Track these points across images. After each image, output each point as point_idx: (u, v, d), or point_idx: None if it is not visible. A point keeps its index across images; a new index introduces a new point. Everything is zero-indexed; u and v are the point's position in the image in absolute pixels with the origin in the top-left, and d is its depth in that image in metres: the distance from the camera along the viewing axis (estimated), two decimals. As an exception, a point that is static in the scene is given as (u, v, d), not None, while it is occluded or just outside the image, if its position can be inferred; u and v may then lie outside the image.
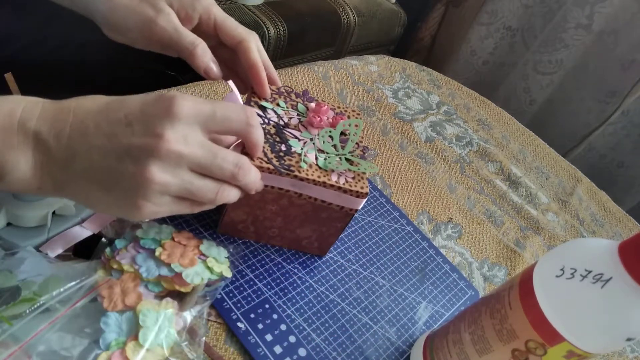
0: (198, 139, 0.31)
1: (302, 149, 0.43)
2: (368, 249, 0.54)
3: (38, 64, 0.62)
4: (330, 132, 0.45)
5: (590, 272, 0.30)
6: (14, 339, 0.31)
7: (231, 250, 0.43)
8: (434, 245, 0.58)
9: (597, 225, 0.77)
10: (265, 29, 1.14)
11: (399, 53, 1.70)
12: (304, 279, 0.48)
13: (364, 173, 0.43)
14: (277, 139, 0.42)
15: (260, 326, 0.43)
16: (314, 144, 0.44)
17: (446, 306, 0.52)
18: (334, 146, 0.44)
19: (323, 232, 0.47)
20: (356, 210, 0.44)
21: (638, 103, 1.32)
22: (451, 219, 0.64)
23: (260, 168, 0.40)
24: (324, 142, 0.44)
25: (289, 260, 0.48)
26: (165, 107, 0.30)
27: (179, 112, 0.30)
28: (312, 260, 0.50)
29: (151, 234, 0.39)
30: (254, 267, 0.47)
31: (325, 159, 0.43)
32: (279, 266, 0.48)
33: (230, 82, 0.43)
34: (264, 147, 0.40)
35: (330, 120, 0.46)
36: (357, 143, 0.46)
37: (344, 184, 0.42)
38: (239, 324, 0.42)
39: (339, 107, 0.49)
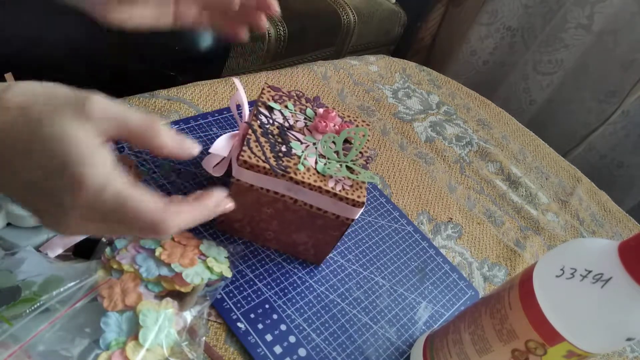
0: (102, 212, 0.26)
1: (303, 152, 0.42)
2: (368, 249, 0.54)
3: (38, 64, 0.62)
4: (333, 138, 0.44)
5: (590, 272, 0.30)
6: (14, 339, 0.31)
7: (231, 250, 0.43)
8: (434, 245, 0.58)
9: (597, 225, 0.77)
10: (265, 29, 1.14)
11: (399, 53, 1.70)
12: (304, 279, 0.48)
13: (363, 182, 0.42)
14: (279, 140, 0.42)
15: (260, 326, 0.43)
16: (316, 148, 0.43)
17: (446, 306, 0.52)
18: (336, 153, 0.44)
19: (319, 240, 0.46)
20: (352, 220, 0.43)
21: (638, 103, 1.32)
22: (451, 219, 0.64)
23: (257, 167, 0.39)
24: (326, 147, 0.43)
25: (289, 260, 0.48)
26: (70, 183, 0.25)
27: (80, 197, 0.26)
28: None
29: (151, 234, 0.40)
30: (254, 267, 0.47)
31: (325, 164, 0.42)
32: (279, 266, 0.48)
33: (236, 80, 0.43)
34: (264, 146, 0.40)
35: (337, 127, 0.46)
36: (361, 152, 0.45)
37: (340, 191, 0.41)
38: (239, 324, 0.42)
39: (348, 116, 0.49)
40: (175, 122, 0.56)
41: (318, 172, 0.41)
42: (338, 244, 0.52)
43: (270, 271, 0.47)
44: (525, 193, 0.75)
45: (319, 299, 0.47)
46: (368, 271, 0.51)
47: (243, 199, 0.42)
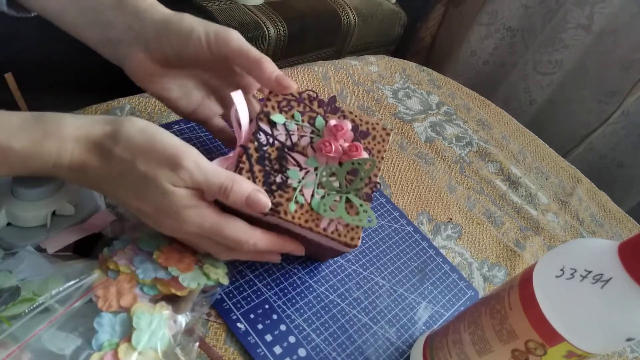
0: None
1: (300, 182, 0.39)
2: (368, 249, 0.54)
3: (38, 64, 0.61)
4: (334, 169, 0.40)
5: (590, 272, 0.30)
6: (13, 339, 0.31)
7: None
8: (433, 246, 0.58)
9: (597, 225, 0.76)
10: (265, 29, 1.14)
11: (399, 53, 1.70)
12: (303, 279, 0.48)
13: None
14: (275, 167, 0.39)
15: (260, 326, 0.43)
16: (316, 175, 0.39)
17: (446, 306, 0.52)
18: (339, 183, 0.40)
19: (319, 254, 0.45)
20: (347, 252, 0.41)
21: (638, 103, 1.32)
22: (451, 219, 0.64)
23: None
24: (325, 179, 0.39)
25: (289, 261, 0.48)
26: (176, 220, 0.35)
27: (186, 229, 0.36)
28: (312, 260, 0.50)
29: (150, 237, 0.39)
30: (254, 267, 0.46)
31: (322, 197, 0.39)
32: (279, 266, 0.48)
33: (235, 95, 0.39)
34: (257, 177, 0.38)
35: (346, 146, 0.40)
36: (368, 178, 0.40)
37: (332, 232, 0.38)
38: (238, 324, 0.42)
39: (366, 123, 0.42)
40: (175, 122, 0.56)
41: (311, 209, 0.38)
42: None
43: (270, 271, 0.47)
44: (525, 193, 0.74)
45: (319, 299, 0.47)
46: (368, 271, 0.51)
47: (237, 214, 0.39)
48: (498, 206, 0.70)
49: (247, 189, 0.35)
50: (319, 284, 0.48)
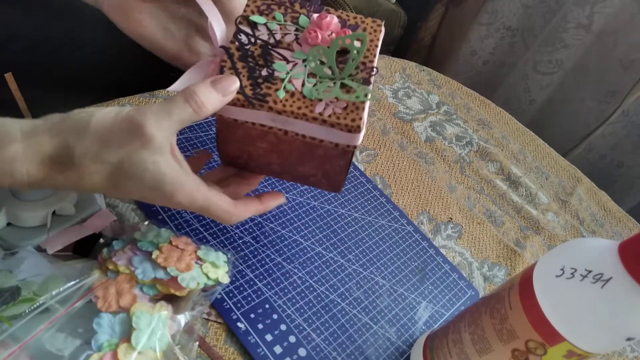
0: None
1: (287, 73, 0.35)
2: (368, 249, 0.54)
3: (39, 65, 0.62)
4: (323, 51, 0.36)
5: (590, 272, 0.30)
6: (14, 339, 0.31)
7: (229, 256, 0.42)
8: (434, 245, 0.58)
9: (597, 225, 0.76)
10: (265, 29, 1.14)
11: (399, 53, 1.69)
12: (304, 279, 0.48)
13: (362, 102, 0.35)
14: (260, 62, 0.36)
15: (260, 326, 0.43)
16: (305, 66, 0.36)
17: (446, 306, 0.52)
18: (330, 68, 0.36)
19: (328, 170, 0.40)
20: (355, 147, 0.36)
21: (638, 103, 1.32)
22: (451, 219, 0.64)
23: (232, 99, 0.35)
24: (315, 63, 0.36)
25: (289, 260, 0.48)
26: (165, 199, 0.34)
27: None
28: (312, 260, 0.50)
29: (149, 237, 0.39)
30: (254, 267, 0.46)
31: (314, 85, 0.35)
32: (279, 266, 0.48)
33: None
34: (240, 73, 0.35)
35: (333, 35, 0.37)
36: (363, 63, 0.37)
37: (329, 116, 0.34)
38: (239, 324, 0.42)
39: (354, 18, 0.40)
40: (175, 122, 0.56)
41: (304, 97, 0.35)
42: (338, 243, 0.52)
43: (270, 271, 0.47)
44: (525, 193, 0.74)
45: (319, 298, 0.47)
46: (368, 271, 0.51)
47: (233, 134, 0.38)
48: (498, 206, 0.70)
49: (206, 81, 0.33)
50: (319, 283, 0.48)
